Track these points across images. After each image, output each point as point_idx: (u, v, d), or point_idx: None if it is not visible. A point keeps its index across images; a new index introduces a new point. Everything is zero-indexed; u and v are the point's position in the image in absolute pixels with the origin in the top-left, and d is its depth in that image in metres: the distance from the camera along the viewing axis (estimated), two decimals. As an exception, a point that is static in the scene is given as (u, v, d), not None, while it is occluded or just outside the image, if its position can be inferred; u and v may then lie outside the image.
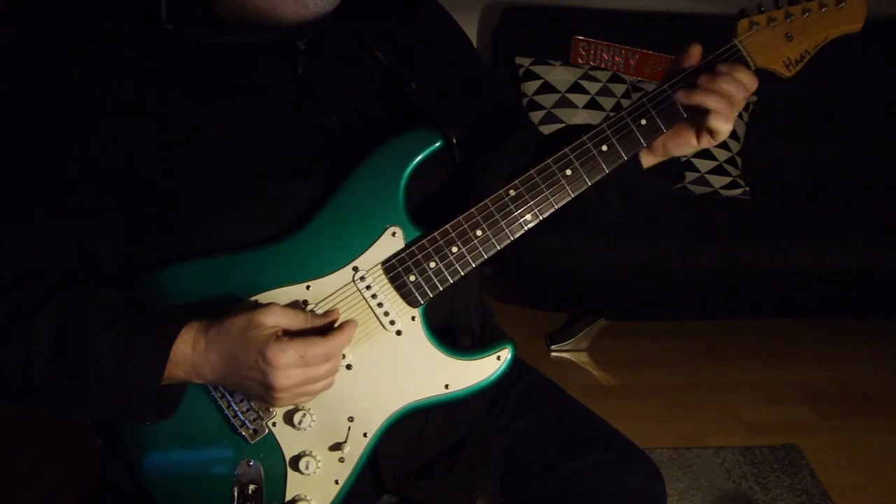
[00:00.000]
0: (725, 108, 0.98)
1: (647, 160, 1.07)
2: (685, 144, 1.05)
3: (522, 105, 2.55)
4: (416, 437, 1.05)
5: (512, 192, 0.97)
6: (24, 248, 0.91)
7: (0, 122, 0.92)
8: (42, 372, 0.88)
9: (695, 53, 1.02)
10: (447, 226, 0.96)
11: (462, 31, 1.19)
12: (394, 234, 0.96)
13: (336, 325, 0.94)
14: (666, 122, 1.00)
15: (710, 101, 0.98)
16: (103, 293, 0.92)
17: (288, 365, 0.87)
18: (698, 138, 1.03)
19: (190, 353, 0.89)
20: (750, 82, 0.99)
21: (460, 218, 0.96)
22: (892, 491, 2.15)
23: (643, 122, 0.99)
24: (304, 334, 0.91)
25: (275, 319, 0.88)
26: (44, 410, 0.97)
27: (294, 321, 0.90)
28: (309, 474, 0.98)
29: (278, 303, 0.92)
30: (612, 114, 1.00)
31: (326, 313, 0.95)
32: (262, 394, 0.90)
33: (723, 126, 1.00)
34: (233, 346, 0.88)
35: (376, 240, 0.96)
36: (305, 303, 0.95)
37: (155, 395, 0.90)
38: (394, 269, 0.96)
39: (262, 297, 0.94)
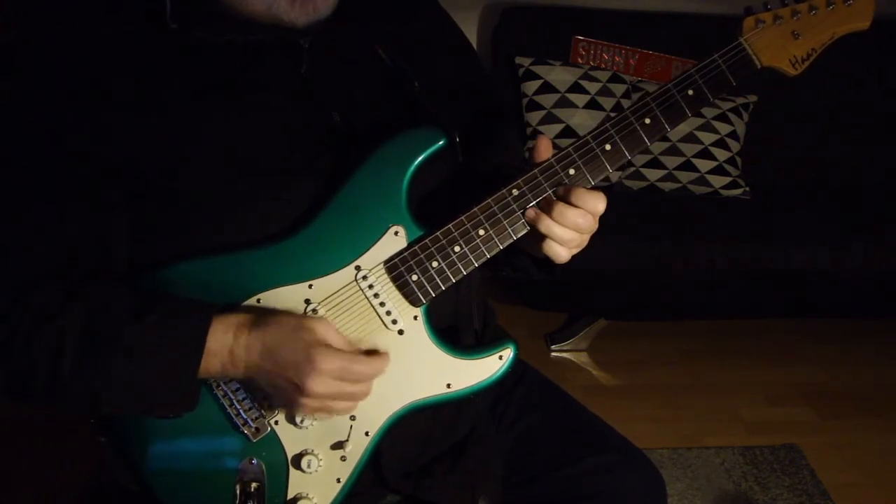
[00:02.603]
0: (572, 240, 0.96)
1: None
2: (534, 245, 0.99)
3: (522, 105, 2.56)
4: (418, 435, 1.05)
5: (515, 192, 0.96)
6: (43, 245, 0.91)
7: (5, 121, 0.92)
8: (70, 367, 0.88)
9: (543, 147, 0.98)
10: (450, 225, 0.96)
11: (462, 34, 1.19)
12: (396, 233, 0.96)
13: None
14: (670, 121, 0.99)
15: (557, 230, 0.95)
16: (126, 287, 0.93)
17: (330, 372, 0.88)
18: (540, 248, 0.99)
19: (231, 343, 0.90)
20: (599, 209, 0.96)
21: (462, 217, 0.96)
22: (893, 491, 2.15)
23: (647, 120, 0.99)
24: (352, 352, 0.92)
25: (324, 331, 0.90)
26: (64, 410, 0.97)
27: (339, 341, 0.91)
28: (310, 473, 0.98)
29: (277, 301, 0.93)
30: (612, 115, 0.99)
31: (368, 350, 0.96)
32: (289, 395, 0.91)
33: (562, 254, 0.97)
34: (282, 340, 0.89)
35: (378, 239, 0.96)
36: (308, 301, 0.95)
37: (188, 386, 0.91)
38: (396, 268, 0.96)
39: (265, 296, 0.95)
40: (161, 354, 0.89)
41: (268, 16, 0.93)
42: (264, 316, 0.91)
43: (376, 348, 0.97)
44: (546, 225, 0.95)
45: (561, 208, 0.94)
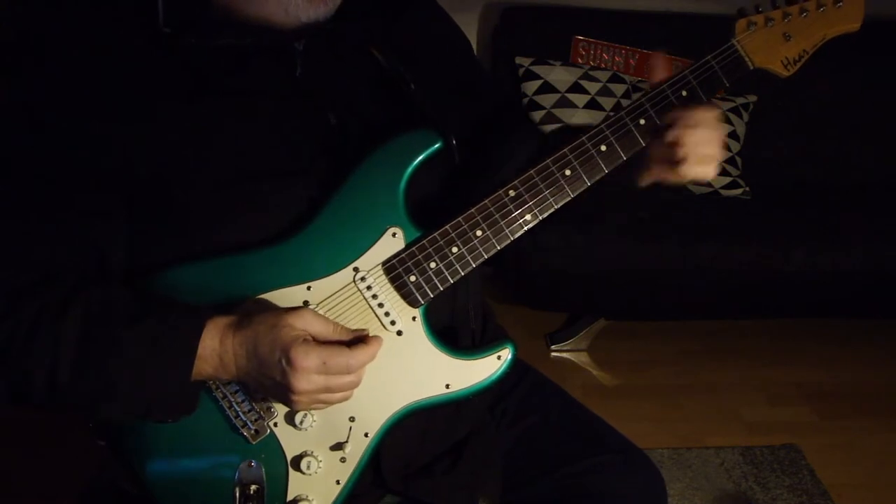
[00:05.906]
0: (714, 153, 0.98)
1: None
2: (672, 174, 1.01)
3: (522, 105, 2.56)
4: (418, 436, 1.05)
5: (511, 193, 0.97)
6: (40, 250, 0.91)
7: (2, 124, 0.92)
8: (69, 373, 0.88)
9: (662, 65, 1.00)
10: (447, 226, 0.96)
11: (460, 32, 1.19)
12: (394, 234, 0.96)
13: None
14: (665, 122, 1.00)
15: (687, 136, 0.97)
16: (122, 291, 0.93)
17: (309, 369, 0.87)
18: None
19: (218, 348, 0.90)
20: (708, 119, 0.98)
21: (460, 218, 0.96)
22: (893, 491, 2.15)
23: (642, 121, 0.99)
24: (331, 344, 0.91)
25: (304, 323, 0.89)
26: (64, 412, 0.97)
27: (324, 329, 0.91)
28: (310, 474, 0.98)
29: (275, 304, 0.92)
30: (611, 114, 1.00)
31: (357, 330, 0.95)
32: (281, 394, 0.91)
33: (710, 171, 0.99)
34: (259, 342, 0.89)
35: (377, 240, 0.96)
36: (306, 303, 0.95)
37: (184, 389, 0.91)
38: (394, 269, 0.96)
39: (263, 299, 0.94)
40: (155, 360, 0.89)
41: (282, 18, 0.93)
42: (248, 317, 0.91)
43: (367, 335, 0.96)
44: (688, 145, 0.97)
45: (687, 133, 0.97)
